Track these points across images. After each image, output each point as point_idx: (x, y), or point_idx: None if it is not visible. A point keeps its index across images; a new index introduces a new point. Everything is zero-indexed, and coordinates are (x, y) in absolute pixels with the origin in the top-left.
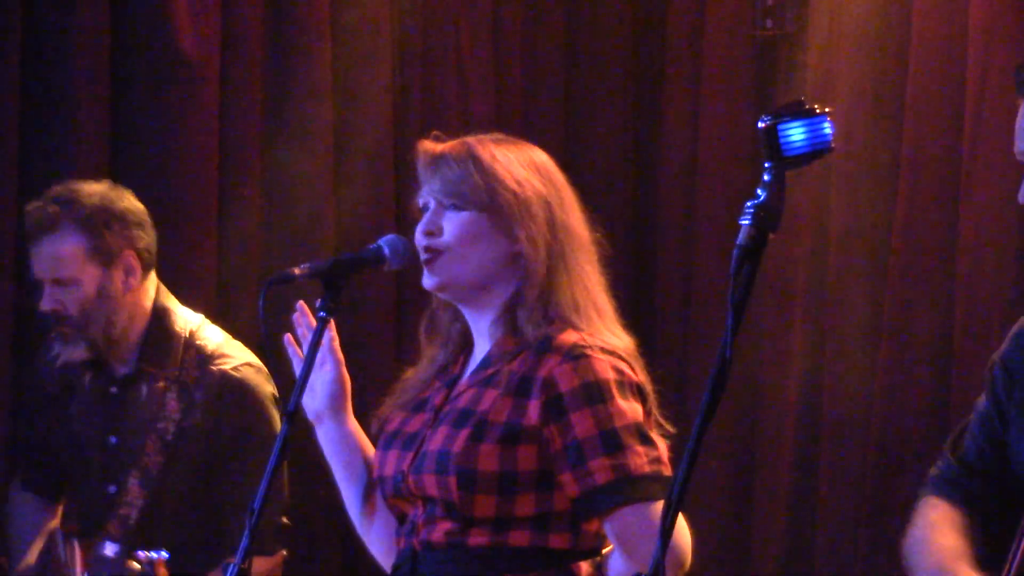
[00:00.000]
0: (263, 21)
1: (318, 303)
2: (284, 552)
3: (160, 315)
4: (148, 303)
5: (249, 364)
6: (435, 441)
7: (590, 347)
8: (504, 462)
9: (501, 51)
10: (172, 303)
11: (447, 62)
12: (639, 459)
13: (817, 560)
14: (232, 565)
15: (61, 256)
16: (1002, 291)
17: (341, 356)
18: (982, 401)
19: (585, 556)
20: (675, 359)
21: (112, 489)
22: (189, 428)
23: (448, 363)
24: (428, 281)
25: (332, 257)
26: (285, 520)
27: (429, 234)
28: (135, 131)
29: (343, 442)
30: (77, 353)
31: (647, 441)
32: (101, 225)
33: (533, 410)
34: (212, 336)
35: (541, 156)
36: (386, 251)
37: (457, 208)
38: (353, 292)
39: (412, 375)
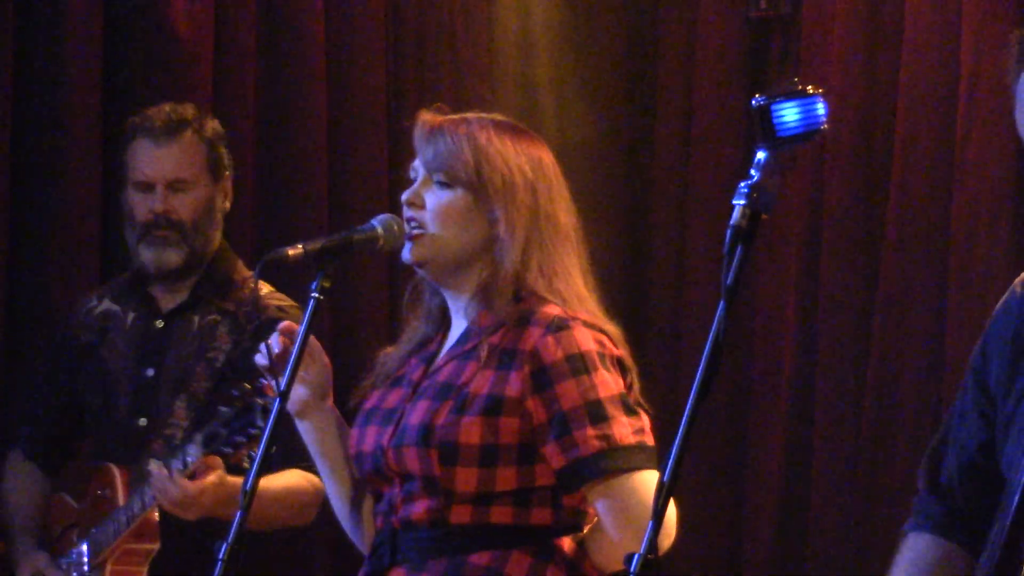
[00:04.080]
0: (256, 3)
1: (312, 283)
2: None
3: (226, 252)
4: (220, 237)
5: (297, 307)
6: (415, 415)
7: (572, 319)
8: (486, 434)
9: (495, 32)
10: (239, 259)
11: (441, 42)
12: (624, 429)
13: (809, 543)
14: (224, 543)
15: (187, 158)
16: (995, 273)
17: (318, 344)
18: (951, 421)
19: (566, 532)
20: (668, 340)
21: (142, 422)
22: (237, 358)
23: (427, 339)
24: (407, 255)
25: (325, 237)
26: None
27: (411, 204)
28: (128, 113)
29: (330, 431)
30: (175, 258)
31: (631, 411)
32: (219, 142)
33: (515, 381)
34: (265, 286)
35: (538, 144)
36: (379, 230)
37: (443, 184)
38: (346, 272)
39: (392, 350)
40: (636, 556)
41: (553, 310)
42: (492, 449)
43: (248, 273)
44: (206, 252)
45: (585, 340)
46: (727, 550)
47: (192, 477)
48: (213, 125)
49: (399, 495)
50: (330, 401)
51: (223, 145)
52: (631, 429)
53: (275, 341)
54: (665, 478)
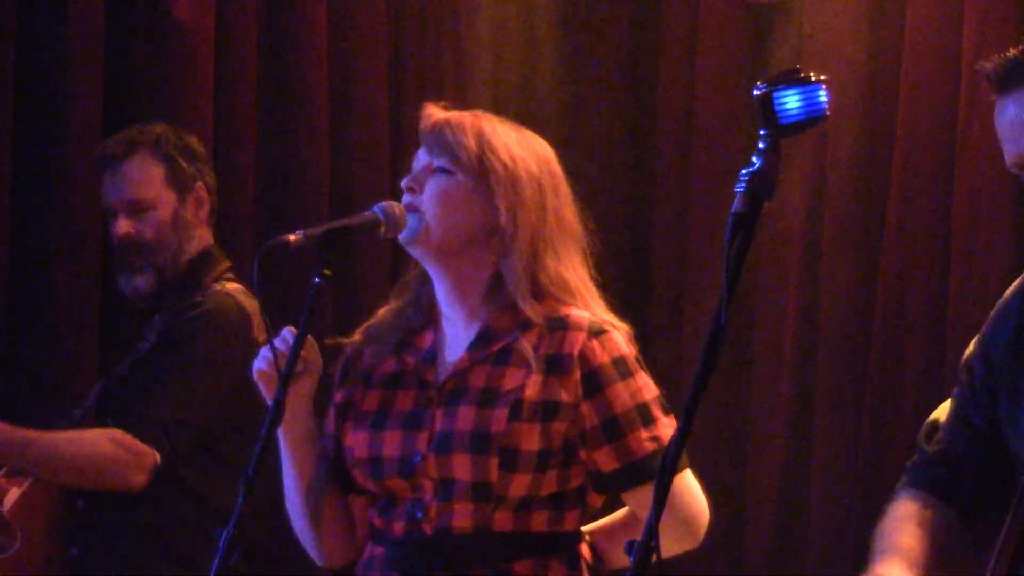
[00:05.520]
0: None
1: (314, 270)
2: (157, 458)
3: (207, 258)
4: (200, 246)
5: (234, 299)
6: (462, 421)
7: (604, 322)
8: (543, 440)
9: (497, 19)
10: (222, 264)
11: (443, 27)
12: (668, 430)
13: (809, 529)
14: (225, 530)
15: (141, 178)
16: (997, 259)
17: (316, 347)
18: (957, 392)
19: (580, 537)
20: (670, 327)
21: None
22: (155, 344)
23: (411, 333)
24: (402, 236)
25: (327, 223)
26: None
27: (410, 189)
28: (130, 101)
29: (308, 434)
30: (144, 283)
31: (668, 411)
32: (177, 152)
33: (569, 387)
34: (228, 286)
35: (543, 146)
36: (381, 217)
37: (444, 171)
38: (348, 260)
39: (359, 339)
40: (636, 544)
41: (582, 313)
42: (546, 454)
43: (226, 276)
44: (178, 266)
45: (623, 343)
46: (728, 536)
47: None
48: (176, 139)
49: (433, 502)
50: (311, 403)
51: (187, 157)
52: (672, 430)
53: (281, 345)
54: (666, 464)
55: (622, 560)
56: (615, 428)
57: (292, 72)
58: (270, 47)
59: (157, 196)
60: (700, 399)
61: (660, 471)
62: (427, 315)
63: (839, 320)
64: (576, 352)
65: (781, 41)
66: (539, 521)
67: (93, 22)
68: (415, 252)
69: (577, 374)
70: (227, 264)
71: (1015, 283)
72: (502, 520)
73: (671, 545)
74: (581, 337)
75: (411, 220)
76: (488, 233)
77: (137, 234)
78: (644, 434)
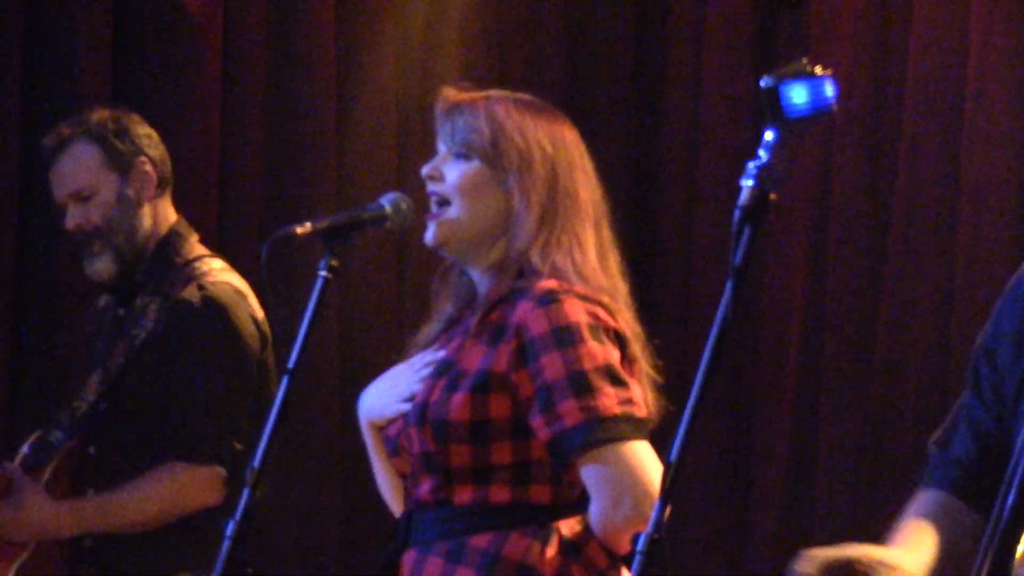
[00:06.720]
0: None
1: (320, 262)
2: (222, 471)
3: (174, 236)
4: (164, 225)
5: (228, 283)
6: (419, 393)
7: (565, 292)
8: (475, 411)
9: (503, 9)
10: (191, 238)
11: (449, 18)
12: (608, 400)
13: (815, 521)
14: (231, 521)
15: (78, 168)
16: (1002, 254)
17: None
18: (966, 395)
19: (569, 512)
20: (676, 321)
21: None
22: (157, 335)
23: (455, 318)
24: (429, 236)
25: (334, 215)
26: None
27: (431, 178)
28: (138, 91)
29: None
30: (104, 267)
31: (618, 382)
32: (111, 134)
33: (503, 356)
34: (213, 264)
35: (560, 121)
36: (388, 209)
37: (461, 156)
38: (354, 254)
39: (421, 334)
40: (642, 536)
41: (548, 283)
42: (482, 425)
43: (200, 252)
44: (135, 244)
45: (575, 312)
46: (733, 529)
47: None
48: (109, 122)
49: (409, 476)
50: None
51: (120, 136)
52: (616, 400)
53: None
54: (672, 458)
55: (607, 536)
56: (546, 398)
57: (299, 62)
58: (277, 37)
59: (97, 181)
60: (706, 394)
61: (666, 465)
62: (467, 301)
63: (844, 315)
64: (517, 321)
65: (788, 34)
66: (499, 494)
67: (102, 11)
68: (443, 252)
69: (513, 344)
70: (195, 236)
71: (1013, 278)
72: (461, 493)
73: (624, 517)
74: (528, 306)
75: (434, 226)
76: (505, 217)
77: (86, 222)
78: (574, 404)
